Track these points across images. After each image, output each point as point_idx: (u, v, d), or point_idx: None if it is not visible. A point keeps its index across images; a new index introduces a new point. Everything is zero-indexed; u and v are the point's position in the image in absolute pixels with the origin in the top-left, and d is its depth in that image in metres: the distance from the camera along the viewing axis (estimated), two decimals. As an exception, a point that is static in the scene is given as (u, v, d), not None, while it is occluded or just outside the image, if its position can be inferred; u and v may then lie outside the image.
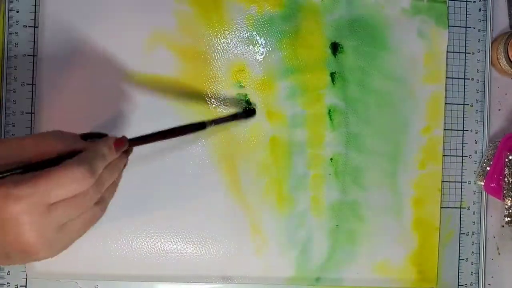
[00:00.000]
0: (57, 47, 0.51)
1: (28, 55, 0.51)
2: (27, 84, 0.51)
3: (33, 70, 0.51)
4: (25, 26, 0.51)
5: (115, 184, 0.41)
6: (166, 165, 0.52)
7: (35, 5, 0.51)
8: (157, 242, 0.52)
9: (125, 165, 0.42)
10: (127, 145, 0.41)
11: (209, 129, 0.48)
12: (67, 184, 0.34)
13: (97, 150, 0.38)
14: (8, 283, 0.50)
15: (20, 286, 0.50)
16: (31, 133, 0.50)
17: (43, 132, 0.38)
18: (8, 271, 0.50)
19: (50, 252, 0.36)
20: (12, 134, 0.51)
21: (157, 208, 0.52)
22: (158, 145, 0.51)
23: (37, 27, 0.51)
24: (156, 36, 0.52)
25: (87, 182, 0.35)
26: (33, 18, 0.51)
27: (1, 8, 0.51)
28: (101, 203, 0.39)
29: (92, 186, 0.36)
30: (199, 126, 0.47)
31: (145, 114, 0.51)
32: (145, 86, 0.51)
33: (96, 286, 0.51)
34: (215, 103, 0.52)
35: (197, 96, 0.52)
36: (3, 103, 0.50)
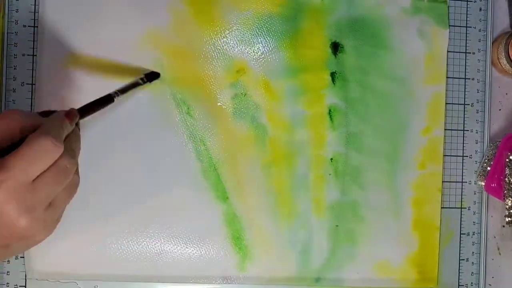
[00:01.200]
0: (57, 47, 0.51)
1: (28, 55, 0.51)
2: (27, 84, 0.51)
3: (32, 70, 0.51)
4: (24, 26, 0.51)
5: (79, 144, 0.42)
6: (166, 165, 0.52)
7: (35, 5, 0.51)
8: (156, 243, 0.52)
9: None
10: (77, 115, 0.41)
11: (117, 100, 0.48)
12: (39, 157, 0.34)
13: (54, 121, 0.38)
14: (7, 283, 0.50)
15: (20, 286, 0.50)
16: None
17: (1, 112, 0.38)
18: (8, 271, 0.50)
19: (45, 231, 0.36)
20: (12, 134, 0.50)
21: (156, 208, 0.52)
22: (159, 145, 0.51)
23: (37, 27, 0.51)
24: (155, 36, 0.51)
25: (56, 150, 0.35)
26: (33, 18, 0.51)
27: (0, 8, 0.51)
28: (77, 169, 0.39)
29: (65, 156, 0.36)
30: (107, 99, 0.46)
31: (145, 113, 0.51)
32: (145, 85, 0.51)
33: (96, 286, 0.51)
34: (207, 98, 0.52)
35: (197, 94, 0.52)
36: (3, 103, 0.50)
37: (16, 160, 0.34)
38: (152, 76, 0.51)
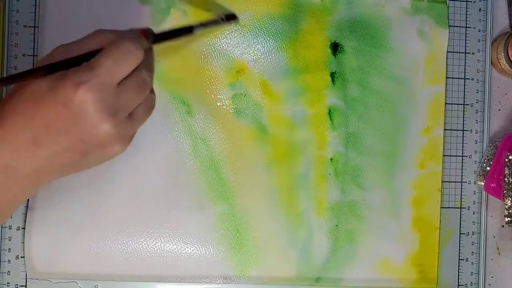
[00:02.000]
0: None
1: (28, 55, 0.51)
2: (27, 84, 0.51)
3: (33, 70, 0.51)
4: (25, 26, 0.51)
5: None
6: (166, 165, 0.52)
7: (35, 5, 0.51)
8: (157, 242, 0.52)
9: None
10: (153, 35, 0.40)
11: (197, 34, 0.47)
12: (124, 58, 0.35)
13: (132, 34, 0.38)
14: (8, 283, 0.50)
15: (21, 286, 0.50)
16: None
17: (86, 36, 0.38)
18: (8, 271, 0.50)
19: (122, 143, 0.36)
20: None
21: (157, 208, 0.52)
22: (159, 145, 0.51)
23: (37, 27, 0.51)
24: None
25: (139, 53, 0.35)
26: (33, 18, 0.51)
27: (0, 8, 0.51)
28: (153, 91, 0.39)
29: (144, 69, 0.36)
30: (186, 30, 0.46)
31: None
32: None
33: (96, 286, 0.51)
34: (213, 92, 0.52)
35: (197, 94, 0.52)
36: (3, 103, 0.51)
37: (102, 59, 0.34)
38: (230, 17, 0.51)
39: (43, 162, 0.35)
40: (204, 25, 0.48)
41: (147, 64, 0.37)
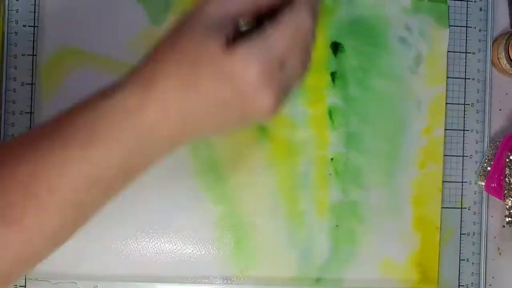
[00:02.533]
0: (57, 47, 0.51)
1: (28, 55, 0.51)
2: (27, 84, 0.51)
3: (33, 70, 0.51)
4: (24, 26, 0.51)
5: None
6: (166, 165, 0.52)
7: (35, 5, 0.51)
8: (156, 243, 0.52)
9: None
10: None
11: None
12: (300, 35, 0.31)
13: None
14: (7, 283, 0.50)
15: (20, 286, 0.50)
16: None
17: None
18: (8, 271, 0.50)
19: (277, 98, 0.31)
20: (12, 134, 0.50)
21: (156, 208, 0.52)
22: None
23: (37, 26, 0.51)
24: (156, 35, 0.51)
25: (314, 28, 0.32)
26: (33, 17, 0.51)
27: (0, 7, 0.51)
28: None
29: (309, 17, 0.32)
30: None
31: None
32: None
33: (96, 286, 0.51)
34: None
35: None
36: (3, 103, 0.50)
37: (277, 35, 0.31)
38: None
39: (192, 125, 0.32)
40: None
41: (311, 11, 0.33)
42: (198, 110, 0.31)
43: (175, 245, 0.52)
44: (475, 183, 0.56)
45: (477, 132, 0.56)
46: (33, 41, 0.51)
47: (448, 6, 0.56)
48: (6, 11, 0.51)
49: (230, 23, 0.31)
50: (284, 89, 0.32)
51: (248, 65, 0.30)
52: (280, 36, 0.31)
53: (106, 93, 0.32)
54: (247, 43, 0.30)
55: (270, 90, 0.31)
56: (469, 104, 0.56)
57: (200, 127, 0.32)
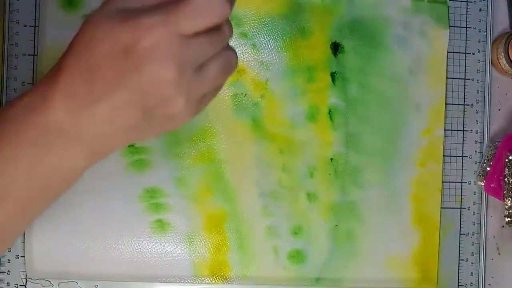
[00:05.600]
0: (57, 47, 0.51)
1: (29, 55, 0.51)
2: (27, 84, 0.51)
3: (33, 70, 0.51)
4: (25, 26, 0.51)
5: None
6: (166, 165, 0.52)
7: (36, 5, 0.51)
8: (156, 242, 0.52)
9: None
10: None
11: None
12: (208, 9, 0.30)
13: None
14: (8, 282, 0.50)
15: (20, 285, 0.50)
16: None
17: None
18: (8, 271, 0.50)
19: (187, 100, 0.31)
20: (12, 134, 0.50)
21: (156, 208, 0.52)
22: (162, 146, 0.51)
23: (37, 26, 0.51)
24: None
25: (226, 9, 0.30)
26: (34, 17, 0.51)
27: (1, 7, 0.51)
28: (233, 49, 0.34)
29: (227, 21, 0.32)
30: None
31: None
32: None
33: (96, 286, 0.51)
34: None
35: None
36: (3, 103, 0.50)
37: (183, 6, 0.29)
38: None
39: (101, 125, 0.31)
40: None
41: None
42: (104, 111, 0.31)
43: (175, 245, 0.52)
44: (475, 184, 0.56)
45: (476, 133, 0.56)
46: (34, 41, 0.51)
47: (448, 7, 0.56)
48: (7, 11, 0.51)
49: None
50: (187, 60, 0.31)
51: (144, 32, 0.29)
52: (185, 11, 0.30)
53: (18, 97, 0.33)
54: (146, 12, 0.30)
55: (164, 54, 0.30)
56: (468, 105, 0.56)
57: (111, 129, 0.32)
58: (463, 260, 0.56)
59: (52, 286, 0.51)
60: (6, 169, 0.33)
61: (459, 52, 0.56)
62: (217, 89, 0.34)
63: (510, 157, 0.54)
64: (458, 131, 0.56)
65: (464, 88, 0.56)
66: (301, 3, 0.53)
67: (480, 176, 0.56)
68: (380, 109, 0.54)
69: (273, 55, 0.53)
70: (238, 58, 0.52)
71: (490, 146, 0.56)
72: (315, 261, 0.53)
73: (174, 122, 0.33)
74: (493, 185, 0.55)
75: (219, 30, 0.32)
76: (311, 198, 0.53)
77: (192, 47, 0.30)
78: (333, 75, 0.54)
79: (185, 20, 0.30)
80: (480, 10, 0.56)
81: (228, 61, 0.33)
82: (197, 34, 0.30)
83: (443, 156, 0.56)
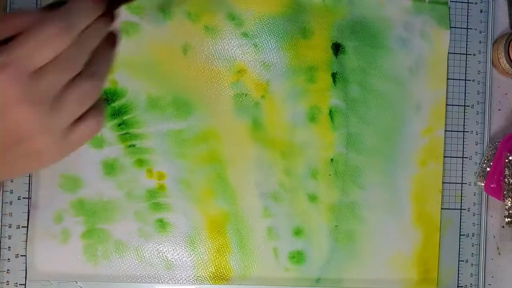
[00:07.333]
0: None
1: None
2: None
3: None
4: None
5: (108, 59, 0.36)
6: (168, 165, 0.52)
7: (36, 5, 0.51)
8: (156, 243, 0.52)
9: (115, 41, 0.37)
10: None
11: None
12: (44, 42, 0.30)
13: (71, 5, 0.32)
14: (7, 281, 0.50)
15: (20, 284, 0.50)
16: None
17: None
18: (8, 270, 0.50)
19: (48, 134, 0.31)
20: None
21: (156, 208, 0.52)
22: (164, 146, 0.51)
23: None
24: (155, 35, 0.51)
25: (65, 37, 0.31)
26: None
27: (1, 8, 0.51)
28: (95, 76, 0.34)
29: (73, 46, 0.32)
30: None
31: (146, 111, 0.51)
32: (144, 83, 0.51)
33: (96, 286, 0.51)
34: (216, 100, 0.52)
35: (198, 94, 0.52)
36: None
37: (22, 43, 0.30)
38: None
39: None
40: None
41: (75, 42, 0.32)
42: None
43: (175, 245, 0.52)
44: (475, 184, 0.56)
45: (477, 134, 0.56)
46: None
47: (449, 8, 0.56)
48: (8, 11, 0.50)
49: None
50: (40, 95, 0.31)
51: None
52: (26, 46, 0.30)
53: None
54: None
55: (16, 91, 0.30)
56: (469, 106, 0.56)
57: None
58: (463, 261, 0.56)
59: (53, 285, 0.50)
60: None
61: (460, 53, 0.56)
62: (74, 114, 0.33)
63: (510, 158, 0.55)
64: (459, 132, 0.56)
65: (465, 89, 0.56)
66: (302, 3, 0.53)
67: (480, 176, 0.56)
68: (381, 109, 0.54)
69: (274, 55, 0.53)
70: (240, 58, 0.53)
71: (490, 146, 0.56)
72: (315, 261, 0.53)
73: (42, 158, 0.32)
74: (493, 185, 0.55)
75: (67, 58, 0.32)
76: (312, 198, 0.53)
77: (43, 81, 0.31)
78: (334, 75, 0.54)
79: (29, 56, 0.30)
80: (481, 11, 0.57)
81: (86, 92, 0.33)
82: (43, 67, 0.31)
83: (444, 157, 0.56)
